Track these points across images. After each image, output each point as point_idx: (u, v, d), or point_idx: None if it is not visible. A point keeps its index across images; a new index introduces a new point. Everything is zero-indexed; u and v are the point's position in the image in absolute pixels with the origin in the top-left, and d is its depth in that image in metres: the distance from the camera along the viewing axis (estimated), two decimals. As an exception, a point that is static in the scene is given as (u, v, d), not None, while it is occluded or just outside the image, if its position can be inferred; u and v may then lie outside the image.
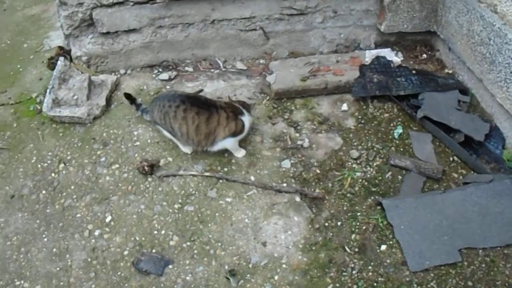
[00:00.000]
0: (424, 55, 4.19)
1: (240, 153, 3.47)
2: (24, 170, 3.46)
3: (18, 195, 3.34)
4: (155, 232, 3.12)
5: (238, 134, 3.34)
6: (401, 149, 3.50)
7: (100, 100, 3.78)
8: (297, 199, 3.24)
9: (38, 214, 3.22)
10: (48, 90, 3.68)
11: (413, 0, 3.89)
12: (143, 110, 3.56)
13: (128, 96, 3.63)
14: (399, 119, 3.70)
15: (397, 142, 3.56)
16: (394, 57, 4.07)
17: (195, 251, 2.99)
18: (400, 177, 3.34)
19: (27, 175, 3.42)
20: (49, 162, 3.50)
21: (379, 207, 3.11)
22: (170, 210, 3.20)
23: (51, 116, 3.65)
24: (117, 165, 3.48)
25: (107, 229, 3.14)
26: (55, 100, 3.63)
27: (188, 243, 3.03)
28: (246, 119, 3.32)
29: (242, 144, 3.49)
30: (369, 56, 4.04)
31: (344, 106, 3.82)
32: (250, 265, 2.91)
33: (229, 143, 3.34)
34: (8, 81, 4.24)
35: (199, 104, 3.27)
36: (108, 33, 3.94)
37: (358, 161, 3.45)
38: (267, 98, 3.92)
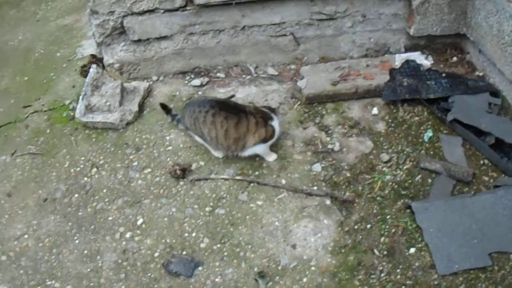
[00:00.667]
0: (454, 58, 4.06)
1: (272, 157, 3.45)
2: (57, 174, 3.50)
3: (51, 198, 3.39)
4: (186, 234, 3.13)
5: (269, 139, 3.32)
6: (431, 152, 3.41)
7: (132, 106, 3.78)
8: (327, 202, 3.20)
9: (70, 216, 3.25)
10: (81, 97, 3.69)
11: (442, 3, 3.77)
12: (178, 120, 3.56)
13: (164, 106, 3.65)
14: (429, 122, 3.61)
15: (427, 145, 3.47)
16: (424, 60, 3.97)
17: (225, 253, 2.99)
18: (430, 180, 3.27)
19: (60, 179, 3.46)
20: (81, 166, 3.54)
21: (408, 210, 3.06)
22: (201, 213, 3.20)
23: (84, 122, 3.66)
24: (149, 169, 3.49)
25: (138, 231, 3.16)
26: (88, 106, 3.65)
27: (218, 245, 3.03)
28: (276, 124, 3.28)
29: (273, 148, 3.46)
30: (399, 60, 3.97)
31: (375, 110, 3.76)
32: (279, 267, 2.90)
33: (260, 149, 3.34)
34: (41, 89, 4.27)
35: (228, 109, 3.25)
36: (139, 40, 3.95)
37: (388, 164, 3.38)
38: (298, 103, 3.89)
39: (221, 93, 3.95)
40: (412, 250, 2.92)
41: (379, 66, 3.95)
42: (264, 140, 3.27)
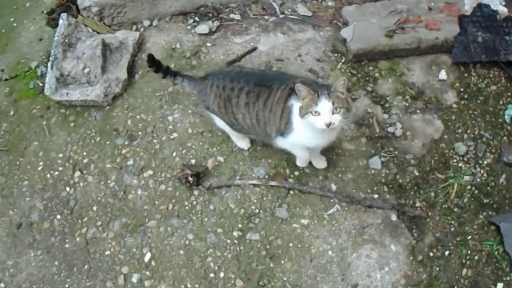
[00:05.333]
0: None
1: (303, 162, 2.70)
2: (29, 183, 2.77)
3: (26, 223, 2.67)
4: (212, 275, 2.50)
5: (285, 131, 2.42)
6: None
7: (119, 71, 2.97)
8: (393, 218, 2.63)
9: (56, 251, 2.59)
10: (49, 64, 2.87)
11: None
12: (183, 77, 2.63)
13: (151, 60, 2.58)
14: (509, 93, 3.04)
15: (509, 128, 2.93)
16: (500, 5, 3.20)
17: (267, 303, 2.38)
18: (517, 181, 2.68)
19: (35, 191, 2.75)
20: (60, 169, 2.80)
21: (492, 227, 2.63)
22: (229, 241, 2.56)
23: (57, 100, 2.89)
24: (150, 171, 2.76)
25: (147, 272, 2.51)
26: (60, 78, 2.86)
27: (257, 290, 2.39)
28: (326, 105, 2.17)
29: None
30: (468, 3, 3.20)
31: (442, 74, 3.08)
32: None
33: (286, 144, 2.53)
34: (-1, 42, 3.31)
35: (264, 80, 2.39)
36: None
37: (465, 158, 2.83)
38: (343, 60, 3.12)
39: (237, 43, 3.18)
40: (500, 285, 2.50)
41: (444, 11, 3.21)
42: (280, 132, 2.38)
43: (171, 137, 2.85)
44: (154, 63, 2.60)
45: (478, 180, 2.76)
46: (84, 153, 2.83)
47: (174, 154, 2.80)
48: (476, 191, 2.73)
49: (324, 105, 2.10)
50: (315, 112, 2.11)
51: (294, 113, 2.28)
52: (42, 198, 2.73)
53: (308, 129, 2.24)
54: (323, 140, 2.40)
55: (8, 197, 2.76)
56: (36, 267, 2.57)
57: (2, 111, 3.05)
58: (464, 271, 2.52)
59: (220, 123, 2.63)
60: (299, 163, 2.70)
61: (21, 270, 2.58)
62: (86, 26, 3.08)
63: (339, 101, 2.13)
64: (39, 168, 2.82)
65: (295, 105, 2.26)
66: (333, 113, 2.11)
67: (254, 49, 3.13)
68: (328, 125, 2.12)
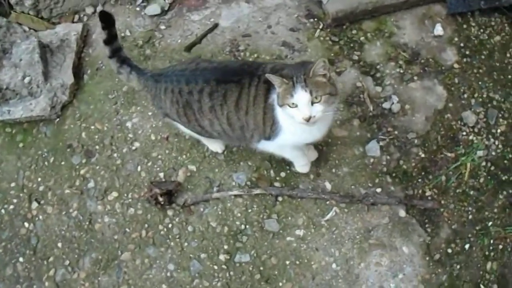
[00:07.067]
0: None
1: (304, 168, 2.37)
2: None
3: None
4: None
5: (270, 134, 2.05)
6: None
7: (64, 74, 2.66)
8: (402, 213, 2.33)
9: None
10: None
11: None
12: (131, 67, 2.15)
13: (104, 16, 2.05)
14: None
15: None
16: None
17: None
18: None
19: None
20: (15, 201, 2.51)
21: None
22: (215, 267, 2.26)
23: None
24: (114, 193, 2.45)
25: None
26: None
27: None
28: (295, 95, 1.78)
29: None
30: None
31: (438, 29, 2.75)
32: None
33: (272, 148, 2.17)
34: None
35: (229, 75, 1.95)
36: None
37: (476, 129, 2.53)
38: (321, 26, 2.76)
39: (195, 21, 2.82)
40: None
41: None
42: (265, 136, 2.02)
43: (133, 147, 2.54)
44: (108, 23, 2.06)
45: (493, 153, 2.51)
46: (39, 179, 2.55)
47: (139, 168, 2.49)
48: (492, 168, 2.47)
49: (301, 96, 1.70)
50: (293, 104, 1.72)
51: (279, 109, 1.85)
52: (0, 239, 2.46)
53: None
54: (319, 132, 1.99)
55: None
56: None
57: None
58: (489, 264, 2.31)
59: (185, 129, 2.21)
60: (299, 168, 2.36)
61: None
62: (20, 24, 2.80)
63: (319, 87, 1.72)
64: (-9, 202, 2.53)
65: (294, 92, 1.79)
66: (312, 103, 1.71)
67: (216, 26, 2.79)
68: (308, 119, 1.72)
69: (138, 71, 2.12)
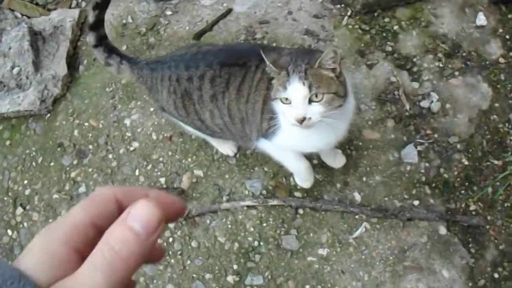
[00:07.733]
0: None
1: (304, 182, 2.10)
2: None
3: None
4: None
5: (266, 133, 1.75)
6: None
7: (57, 65, 2.50)
8: (442, 231, 2.08)
9: None
10: None
11: None
12: (121, 57, 1.91)
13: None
14: None
15: None
16: None
17: None
18: None
19: None
20: None
21: None
22: None
23: None
24: None
25: None
26: None
27: None
28: (292, 86, 1.47)
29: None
30: None
31: (480, 18, 2.51)
32: None
33: (268, 149, 1.86)
34: None
35: (235, 57, 1.69)
36: None
37: None
38: (349, 12, 2.54)
39: (206, 7, 2.64)
40: None
41: None
42: (262, 132, 1.71)
43: (131, 148, 2.36)
44: (104, 2, 1.80)
45: (547, 163, 2.23)
46: (25, 182, 2.42)
47: (137, 172, 2.30)
48: (546, 180, 2.20)
49: (296, 89, 1.38)
50: (285, 99, 1.41)
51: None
52: (-19, 248, 2.31)
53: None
54: (322, 142, 1.69)
55: None
56: None
57: None
58: (543, 293, 2.04)
59: (188, 127, 1.96)
60: (298, 181, 2.09)
61: None
62: (13, 11, 2.70)
63: (322, 83, 1.39)
64: (-28, 203, 2.40)
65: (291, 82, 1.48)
66: (310, 101, 1.40)
67: (229, 11, 2.58)
68: (301, 121, 1.40)
69: (129, 60, 1.89)
